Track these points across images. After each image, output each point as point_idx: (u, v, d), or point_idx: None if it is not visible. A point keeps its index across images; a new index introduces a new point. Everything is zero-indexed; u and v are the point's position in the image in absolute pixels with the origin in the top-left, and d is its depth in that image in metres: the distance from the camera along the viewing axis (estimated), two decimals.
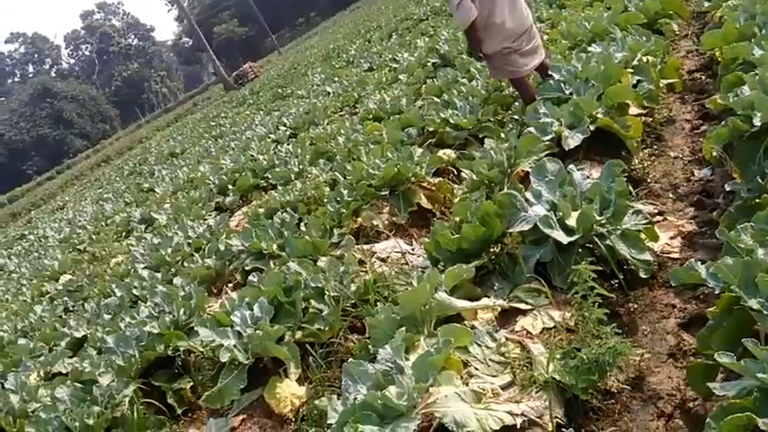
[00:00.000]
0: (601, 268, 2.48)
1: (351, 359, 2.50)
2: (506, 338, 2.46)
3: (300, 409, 2.92)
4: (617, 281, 2.59)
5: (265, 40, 57.30)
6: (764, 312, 1.83)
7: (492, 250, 3.16)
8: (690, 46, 5.33)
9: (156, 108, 69.74)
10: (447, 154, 4.98)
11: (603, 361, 2.11)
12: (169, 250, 5.97)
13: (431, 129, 5.59)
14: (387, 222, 4.33)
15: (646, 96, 4.03)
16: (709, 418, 1.66)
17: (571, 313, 2.49)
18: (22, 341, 5.45)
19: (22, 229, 20.77)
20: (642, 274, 2.63)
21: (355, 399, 2.21)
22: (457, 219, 3.35)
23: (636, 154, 3.65)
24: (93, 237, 10.10)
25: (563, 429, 2.03)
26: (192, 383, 3.60)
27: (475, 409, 2.08)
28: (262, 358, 3.24)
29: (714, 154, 3.08)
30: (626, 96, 3.92)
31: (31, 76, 74.65)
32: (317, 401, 2.62)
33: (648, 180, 3.46)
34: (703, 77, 4.53)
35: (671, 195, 3.33)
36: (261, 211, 5.67)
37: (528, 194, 3.01)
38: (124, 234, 9.23)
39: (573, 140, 3.70)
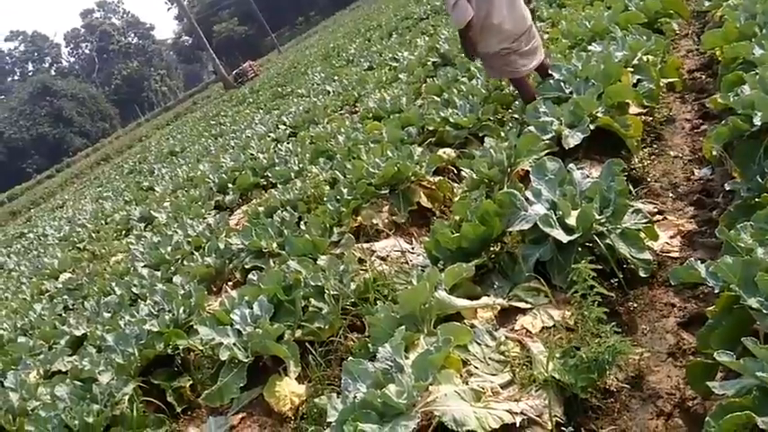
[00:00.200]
0: (600, 267, 2.48)
1: (350, 358, 2.50)
2: (506, 337, 2.47)
3: (300, 408, 2.92)
4: (617, 280, 2.60)
5: (265, 39, 57.27)
6: (764, 311, 1.83)
7: (492, 249, 3.17)
8: (690, 45, 5.33)
9: (156, 106, 69.71)
10: (447, 153, 4.98)
11: (603, 360, 2.11)
12: (169, 249, 5.97)
13: (431, 128, 5.59)
14: (386, 221, 4.33)
15: (646, 95, 4.03)
16: (708, 416, 1.66)
17: (571, 312, 2.49)
18: (21, 339, 5.45)
19: (21, 228, 20.76)
20: (642, 273, 2.63)
21: (355, 397, 2.21)
22: (457, 218, 3.35)
23: (636, 153, 3.65)
24: (93, 235, 10.10)
25: (562, 428, 2.03)
26: (191, 382, 3.60)
27: (474, 407, 2.08)
28: (261, 357, 3.24)
29: (714, 153, 3.08)
30: (626, 95, 3.92)
31: (30, 74, 74.60)
32: (316, 400, 2.62)
33: (648, 179, 3.47)
34: (703, 77, 4.53)
35: (671, 194, 3.33)
36: (261, 209, 5.67)
37: (528, 193, 3.01)
38: (124, 232, 9.23)
39: (573, 139, 3.70)
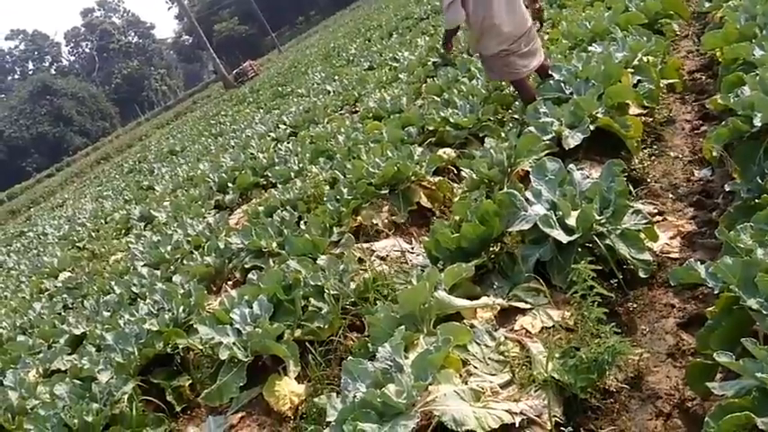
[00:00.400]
0: (600, 268, 2.48)
1: (350, 357, 2.50)
2: (505, 337, 2.47)
3: (299, 407, 2.92)
4: (616, 280, 2.60)
5: (265, 39, 57.25)
6: (763, 312, 1.83)
7: (491, 249, 3.17)
8: (690, 46, 5.34)
9: (156, 106, 69.68)
10: (447, 153, 4.98)
11: (602, 360, 2.11)
12: (168, 248, 5.97)
13: (431, 128, 5.59)
14: (386, 221, 4.33)
15: (646, 96, 4.03)
16: (707, 417, 1.67)
17: (570, 312, 2.49)
18: (21, 338, 5.45)
19: (21, 227, 20.75)
20: (641, 274, 2.64)
21: (354, 397, 2.22)
22: (457, 218, 3.35)
23: (636, 154, 3.65)
24: (93, 234, 10.10)
25: (562, 428, 2.03)
26: (191, 381, 3.60)
27: (474, 407, 2.08)
28: (261, 356, 3.24)
29: (714, 154, 3.08)
30: (626, 96, 3.93)
31: (31, 73, 74.57)
32: (316, 399, 2.62)
33: (648, 180, 3.47)
34: (704, 78, 4.53)
35: (671, 195, 3.33)
36: (260, 209, 5.67)
37: (528, 194, 3.01)
38: (123, 231, 9.23)
39: (573, 140, 3.70)
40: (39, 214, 23.34)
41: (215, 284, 4.97)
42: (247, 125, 13.31)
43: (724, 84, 3.34)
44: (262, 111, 15.41)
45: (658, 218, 3.09)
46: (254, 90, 23.16)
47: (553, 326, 2.47)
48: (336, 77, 13.33)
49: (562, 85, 4.44)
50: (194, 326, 3.64)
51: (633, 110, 3.96)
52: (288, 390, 2.97)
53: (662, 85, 4.29)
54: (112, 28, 76.57)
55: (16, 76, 76.56)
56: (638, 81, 4.22)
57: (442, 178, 4.64)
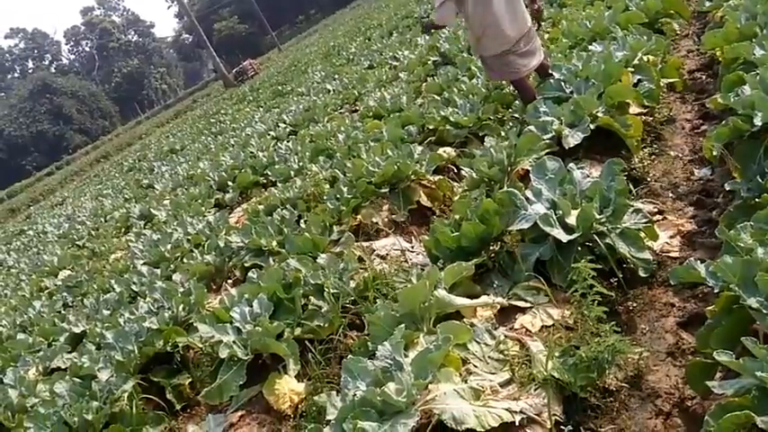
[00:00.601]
0: (600, 267, 2.48)
1: (350, 356, 2.50)
2: (505, 336, 2.47)
3: (299, 406, 2.92)
4: (616, 279, 2.60)
5: (265, 38, 57.22)
6: (764, 311, 1.83)
7: (491, 248, 3.17)
8: (691, 45, 5.33)
9: (156, 104, 69.74)
10: (447, 152, 4.98)
11: (602, 359, 2.11)
12: (168, 246, 5.97)
13: (431, 127, 5.59)
14: (386, 220, 4.33)
15: (646, 95, 4.03)
16: (707, 416, 1.67)
17: (570, 311, 2.49)
18: (20, 336, 5.44)
19: (21, 225, 20.75)
20: (641, 273, 2.64)
21: (354, 395, 2.22)
22: (457, 216, 3.35)
23: (636, 153, 3.65)
24: (93, 233, 10.10)
25: (561, 427, 2.03)
26: (190, 379, 3.61)
27: (474, 406, 2.08)
28: (261, 354, 3.24)
29: (714, 153, 3.08)
30: (626, 95, 3.93)
31: (30, 71, 74.55)
32: (316, 398, 2.62)
33: (648, 179, 3.47)
34: (704, 77, 4.53)
35: (671, 194, 3.33)
36: (260, 207, 5.67)
37: (528, 193, 3.01)
38: (123, 230, 9.22)
39: (573, 139, 3.70)
40: (38, 213, 23.33)
41: (215, 283, 4.97)
42: (247, 124, 13.31)
43: (724, 83, 3.33)
44: (262, 109, 15.41)
45: (658, 217, 3.09)
46: (254, 89, 23.14)
47: (553, 324, 2.48)
48: (336, 76, 13.32)
49: (562, 84, 4.44)
50: (194, 324, 3.64)
51: (633, 109, 3.96)
52: (288, 388, 2.97)
53: (662, 85, 4.29)
54: (112, 26, 76.52)
55: (16, 75, 76.56)
56: (639, 80, 4.22)
57: (442, 177, 4.63)
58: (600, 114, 3.80)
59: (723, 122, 3.03)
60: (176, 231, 6.35)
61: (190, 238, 6.00)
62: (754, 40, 3.49)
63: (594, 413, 2.14)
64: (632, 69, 4.29)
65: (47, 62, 79.00)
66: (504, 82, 5.34)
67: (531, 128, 3.97)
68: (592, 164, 3.57)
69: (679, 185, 3.39)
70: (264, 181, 7.33)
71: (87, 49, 78.91)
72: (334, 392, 2.38)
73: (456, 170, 4.83)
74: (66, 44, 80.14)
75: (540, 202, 2.92)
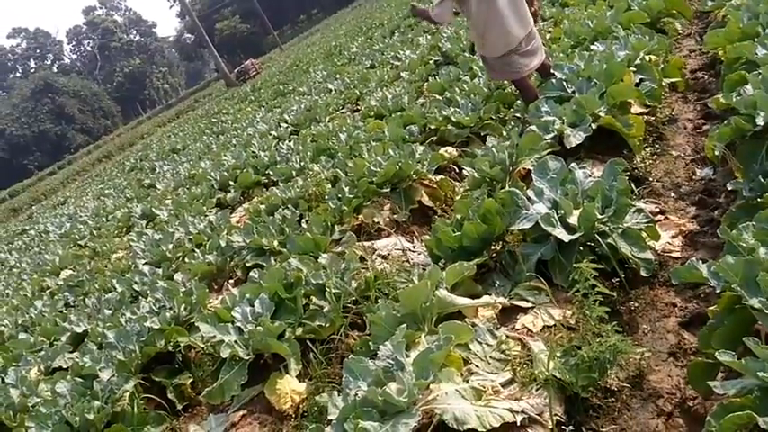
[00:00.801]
0: (602, 266, 2.48)
1: (351, 356, 2.50)
2: (507, 336, 2.47)
3: (301, 405, 2.92)
4: (618, 279, 2.60)
5: (267, 37, 57.23)
6: (765, 311, 1.83)
7: (493, 248, 3.17)
8: (693, 45, 5.33)
9: (158, 104, 69.83)
10: (449, 152, 4.98)
11: (604, 359, 2.11)
12: (170, 246, 5.98)
13: (432, 126, 5.59)
14: (388, 220, 4.33)
15: (648, 95, 4.02)
16: (709, 416, 1.67)
17: (572, 311, 2.49)
18: (22, 336, 5.46)
19: (23, 225, 20.78)
20: (643, 273, 2.63)
21: (356, 395, 2.22)
22: (458, 216, 3.35)
23: (638, 153, 3.65)
24: (94, 232, 10.11)
25: (563, 427, 2.03)
26: (192, 379, 3.61)
27: (475, 405, 2.08)
28: (262, 354, 3.24)
29: (716, 153, 3.08)
30: (628, 95, 3.92)
31: (32, 71, 74.63)
32: (317, 397, 2.62)
33: (650, 179, 3.46)
34: (706, 77, 4.53)
35: (672, 194, 3.32)
36: (262, 207, 5.67)
37: (529, 192, 3.00)
38: (125, 230, 9.24)
39: (575, 139, 3.69)
40: (40, 212, 23.37)
41: (216, 283, 4.98)
42: (249, 123, 13.31)
43: (726, 83, 3.33)
44: (263, 109, 15.41)
45: (660, 217, 3.09)
46: (255, 88, 23.15)
47: (554, 324, 2.47)
48: (338, 76, 13.32)
49: (564, 83, 4.43)
50: (196, 324, 3.64)
51: (635, 109, 3.96)
52: (289, 388, 2.98)
53: (664, 84, 4.28)
54: (114, 26, 76.63)
55: (18, 75, 76.65)
56: (641, 80, 4.21)
57: (443, 177, 4.63)
58: (602, 114, 3.79)
59: (725, 122, 3.02)
60: (178, 231, 6.36)
61: (191, 237, 6.01)
62: (756, 39, 3.48)
63: (596, 413, 2.14)
64: (634, 69, 4.29)
65: (49, 62, 79.12)
66: (505, 82, 5.34)
67: (533, 127, 3.97)
68: (594, 163, 3.57)
69: (681, 185, 3.38)
70: (266, 181, 7.34)
71: (89, 48, 79.02)
72: (336, 392, 2.38)
73: (458, 170, 4.83)
74: (68, 44, 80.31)
75: (542, 202, 2.92)
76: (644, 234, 2.72)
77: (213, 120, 19.59)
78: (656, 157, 3.70)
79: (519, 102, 4.99)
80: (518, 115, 4.89)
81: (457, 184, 4.62)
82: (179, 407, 3.51)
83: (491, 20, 4.25)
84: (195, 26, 46.04)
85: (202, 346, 3.61)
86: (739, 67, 3.46)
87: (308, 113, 9.92)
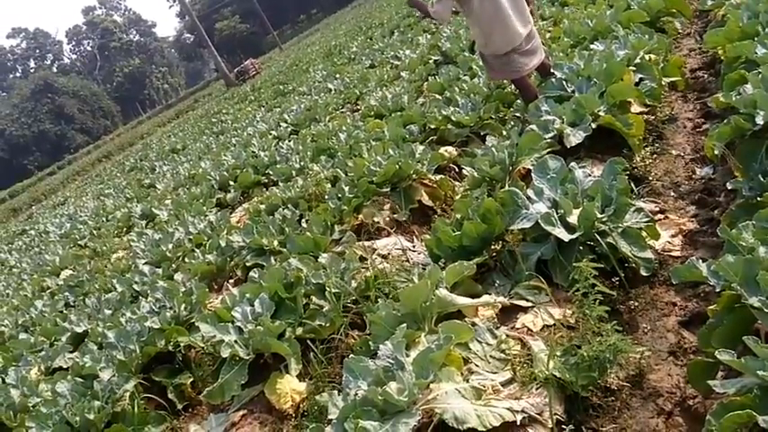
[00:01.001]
0: (602, 266, 2.48)
1: (351, 355, 2.50)
2: (507, 335, 2.47)
3: (301, 405, 2.93)
4: (618, 278, 2.60)
5: (267, 37, 57.24)
6: (765, 310, 1.83)
7: (493, 247, 3.17)
8: (692, 44, 5.33)
9: (158, 104, 69.84)
10: (448, 151, 4.98)
11: (604, 358, 2.11)
12: (170, 246, 5.98)
13: (432, 126, 5.59)
14: (388, 219, 4.33)
15: (648, 94, 4.02)
16: (709, 415, 1.67)
17: (572, 310, 2.49)
18: (22, 336, 5.46)
19: (23, 225, 20.77)
20: (643, 272, 2.63)
21: (356, 394, 2.22)
22: (458, 216, 3.35)
23: (638, 152, 3.65)
24: (94, 232, 10.11)
25: (563, 426, 2.03)
26: (192, 379, 3.61)
27: (475, 405, 2.08)
28: (262, 354, 3.25)
29: (716, 152, 3.08)
30: (628, 94, 3.92)
31: (32, 71, 74.63)
32: (317, 397, 2.62)
33: (650, 178, 3.46)
34: (706, 76, 4.52)
35: (672, 193, 3.32)
36: (262, 207, 5.67)
37: (529, 192, 3.01)
38: (125, 230, 9.24)
39: (575, 138, 3.70)
40: (40, 212, 23.37)
41: (216, 282, 4.98)
42: (249, 123, 13.31)
43: (726, 82, 3.33)
44: (263, 109, 15.41)
45: (660, 216, 3.09)
46: (255, 88, 23.15)
47: (554, 324, 2.47)
48: (338, 76, 13.32)
49: (564, 83, 4.43)
50: (196, 324, 3.64)
51: (635, 108, 3.96)
52: (289, 387, 2.98)
53: (664, 84, 4.28)
54: (114, 26, 76.61)
55: (18, 75, 76.66)
56: (640, 79, 4.21)
57: (443, 176, 4.63)
58: (601, 113, 3.79)
59: (725, 121, 3.02)
60: (178, 231, 6.36)
61: (191, 237, 6.01)
62: (756, 38, 3.48)
63: (596, 412, 2.14)
64: (634, 68, 4.29)
65: (48, 62, 79.12)
66: (505, 81, 5.34)
67: (533, 127, 3.97)
68: (593, 163, 3.57)
69: (681, 184, 3.38)
70: (266, 180, 7.34)
71: (89, 48, 79.02)
72: (336, 392, 2.38)
73: (457, 169, 4.83)
74: (68, 44, 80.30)
75: (542, 202, 2.92)
76: (644, 233, 2.72)
77: (213, 120, 19.59)
78: (655, 156, 3.70)
79: (519, 101, 4.99)
80: (518, 115, 4.89)
81: (457, 183, 4.63)
82: (179, 407, 3.51)
83: (496, 18, 4.24)
84: (195, 26, 46.03)
85: (203, 345, 3.61)
86: (739, 66, 3.46)
87: (308, 113, 9.92)
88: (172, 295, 4.22)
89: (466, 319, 2.62)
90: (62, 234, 12.05)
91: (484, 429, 2.00)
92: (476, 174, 3.94)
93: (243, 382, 3.14)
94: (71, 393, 3.46)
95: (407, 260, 3.66)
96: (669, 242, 2.86)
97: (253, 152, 8.80)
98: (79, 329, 4.90)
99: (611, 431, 2.07)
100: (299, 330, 3.24)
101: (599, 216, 2.69)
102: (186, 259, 5.47)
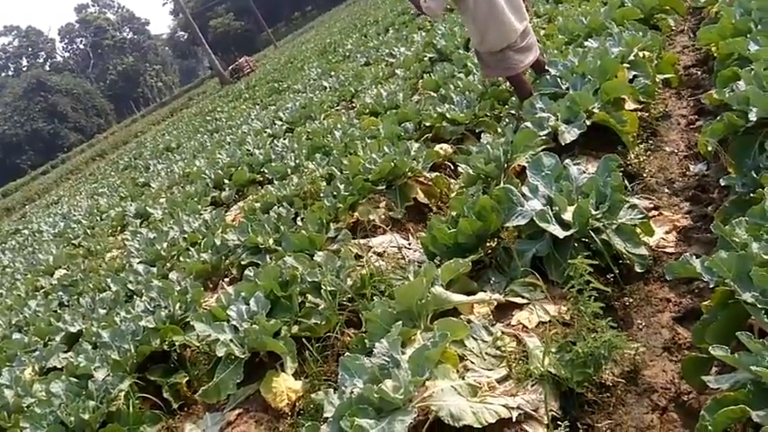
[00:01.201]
0: (596, 262, 2.49)
1: (347, 353, 2.50)
2: (502, 332, 2.47)
3: (297, 404, 2.92)
4: (613, 275, 2.61)
5: (261, 35, 57.10)
6: (758, 306, 1.84)
7: (488, 245, 3.17)
8: (686, 41, 5.34)
9: (152, 102, 69.58)
10: (444, 149, 4.98)
11: (599, 354, 2.12)
12: (165, 245, 5.96)
13: (427, 123, 5.58)
14: (383, 217, 4.33)
15: (642, 91, 4.03)
16: (703, 410, 1.67)
17: (567, 307, 2.50)
18: (16, 336, 5.43)
19: (16, 224, 20.68)
20: (638, 269, 2.65)
21: (352, 392, 2.22)
22: (453, 213, 3.35)
23: (632, 149, 3.66)
24: (88, 231, 10.07)
25: (558, 422, 2.04)
26: (187, 378, 3.60)
27: (471, 402, 2.09)
28: (258, 353, 3.24)
29: (709, 149, 3.09)
30: (622, 91, 3.93)
31: (25, 69, 74.18)
32: (313, 395, 2.63)
33: (644, 175, 3.47)
34: (699, 73, 4.54)
35: (666, 190, 3.34)
36: (257, 205, 5.66)
37: (524, 189, 3.01)
38: (119, 228, 9.21)
39: (569, 135, 3.70)
40: (34, 211, 23.28)
41: (211, 281, 4.97)
42: (243, 121, 13.28)
43: (719, 79, 3.34)
44: (258, 107, 15.38)
45: (654, 212, 3.10)
46: (249, 86, 23.09)
47: (550, 321, 2.48)
48: (333, 73, 13.30)
49: (558, 80, 4.44)
50: (191, 323, 3.64)
51: (629, 105, 3.97)
52: (285, 386, 2.97)
53: (658, 80, 4.29)
54: (107, 24, 76.26)
55: (10, 73, 76.15)
56: (634, 76, 4.22)
57: (438, 174, 4.64)
58: (596, 110, 3.80)
59: (718, 118, 3.03)
60: (172, 230, 6.34)
61: (186, 236, 5.99)
62: (748, 35, 3.49)
63: (591, 408, 2.15)
64: (628, 65, 4.30)
65: (41, 60, 78.67)
66: (500, 78, 5.34)
67: (528, 124, 3.97)
68: (588, 160, 3.58)
69: (674, 181, 3.40)
70: (261, 179, 7.33)
71: (82, 46, 78.63)
72: (332, 390, 2.38)
73: (453, 167, 4.83)
74: (61, 42, 79.89)
75: (537, 199, 2.93)
76: (638, 230, 2.73)
77: (207, 118, 19.53)
78: (649, 152, 3.71)
79: (513, 98, 4.99)
80: (513, 112, 4.89)
81: (452, 181, 4.63)
82: (175, 406, 3.50)
83: (491, 15, 4.23)
84: (189, 23, 45.81)
85: (198, 344, 3.60)
86: (732, 63, 3.47)
87: (303, 111, 9.90)
88: (167, 294, 4.21)
89: (461, 316, 2.63)
90: (56, 233, 12.00)
91: (480, 426, 2.00)
92: (471, 171, 3.94)
93: (238, 380, 3.14)
94: (65, 393, 3.44)
95: (403, 258, 3.66)
96: (663, 238, 2.87)
97: (248, 150, 8.79)
98: (73, 329, 4.88)
99: (607, 427, 2.08)
100: (295, 329, 3.24)
101: (593, 213, 2.69)
102: (181, 258, 5.46)
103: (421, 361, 2.19)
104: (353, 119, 7.50)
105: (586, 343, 2.14)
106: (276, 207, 5.08)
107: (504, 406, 2.07)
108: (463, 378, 2.23)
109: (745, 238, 2.07)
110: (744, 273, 1.92)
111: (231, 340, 3.22)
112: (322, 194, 4.86)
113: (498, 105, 5.27)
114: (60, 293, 6.64)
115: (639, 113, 3.93)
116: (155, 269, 5.44)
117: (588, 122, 3.73)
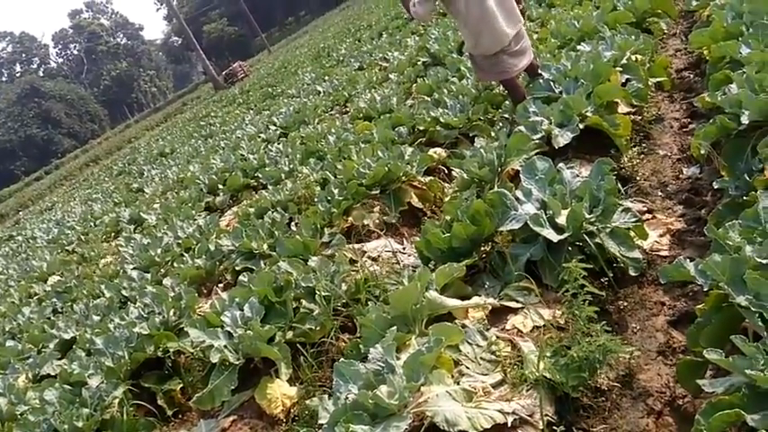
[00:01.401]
0: (591, 266, 2.48)
1: (342, 359, 2.49)
2: (497, 337, 2.47)
3: (291, 410, 2.91)
4: (607, 279, 2.61)
5: (255, 39, 57.12)
6: (752, 309, 1.84)
7: (482, 249, 3.17)
8: (678, 44, 5.37)
9: (145, 107, 69.46)
10: (437, 153, 4.98)
11: (593, 359, 2.11)
12: (159, 251, 5.94)
13: (421, 128, 5.59)
14: (377, 221, 4.32)
15: (635, 95, 4.05)
16: (698, 414, 1.67)
17: (561, 311, 2.50)
18: (9, 343, 5.40)
19: (9, 230, 20.57)
20: (632, 272, 2.65)
21: (346, 398, 2.21)
22: (447, 217, 3.35)
23: (625, 152, 3.67)
24: (82, 237, 10.02)
25: (554, 427, 2.03)
26: (182, 385, 3.58)
27: (466, 407, 2.08)
28: (252, 359, 3.22)
29: (702, 152, 3.10)
30: (615, 95, 3.94)
31: (18, 75, 73.98)
32: (308, 401, 2.61)
33: (637, 178, 3.48)
34: (691, 76, 4.56)
35: (660, 193, 3.34)
36: (251, 210, 5.64)
37: (518, 193, 3.01)
38: (113, 234, 9.16)
39: (562, 139, 3.71)
40: (27, 218, 23.15)
41: (206, 287, 4.95)
42: (237, 126, 13.25)
43: (711, 82, 3.36)
44: (252, 112, 15.36)
45: (648, 216, 3.10)
46: (243, 91, 23.08)
47: (544, 325, 2.48)
48: (326, 78, 13.30)
49: (551, 84, 4.45)
50: (185, 329, 3.61)
51: (622, 108, 3.98)
52: (279, 392, 2.96)
53: (650, 84, 4.31)
54: (101, 29, 76.16)
55: (4, 79, 75.91)
56: (627, 80, 4.24)
57: (432, 178, 4.64)
58: (589, 114, 3.81)
59: (711, 121, 3.05)
60: (166, 235, 6.31)
61: (180, 241, 5.97)
62: (740, 38, 3.51)
63: (586, 413, 2.15)
64: (621, 69, 4.31)
65: (35, 66, 78.47)
66: (493, 82, 5.35)
67: (521, 128, 3.98)
68: (581, 163, 3.58)
69: (668, 184, 3.40)
70: (255, 184, 7.31)
71: (76, 52, 78.46)
72: (327, 396, 2.37)
73: (447, 171, 4.83)
74: (55, 47, 79.72)
75: (531, 203, 2.93)
76: (632, 233, 2.73)
77: (201, 123, 19.49)
78: (642, 156, 3.72)
79: (507, 102, 5.00)
80: (506, 116, 4.90)
81: (446, 185, 4.63)
82: (169, 413, 3.48)
83: (483, 18, 4.24)
84: (182, 29, 45.80)
85: (192, 351, 3.58)
86: (724, 67, 3.49)
87: (297, 116, 9.89)
88: (161, 300, 4.19)
89: (456, 321, 2.62)
90: (49, 239, 11.94)
91: None
92: (465, 175, 3.94)
93: (233, 387, 3.12)
94: (59, 401, 3.42)
95: (397, 262, 3.66)
96: (657, 242, 2.88)
97: (242, 155, 8.77)
98: (67, 336, 4.85)
99: (602, 431, 2.08)
100: (289, 334, 3.22)
101: (587, 216, 2.70)
102: (175, 264, 5.43)
103: (416, 366, 2.19)
104: (347, 123, 7.50)
105: (581, 347, 2.14)
106: (270, 212, 5.07)
107: (499, 411, 2.06)
108: (458, 383, 2.22)
109: (738, 242, 2.08)
110: (737, 276, 1.92)
111: (225, 346, 3.20)
112: (316, 199, 4.85)
113: (492, 109, 5.28)
114: (54, 300, 6.60)
115: (632, 117, 3.94)
116: (149, 275, 5.42)
117: (581, 126, 3.74)
